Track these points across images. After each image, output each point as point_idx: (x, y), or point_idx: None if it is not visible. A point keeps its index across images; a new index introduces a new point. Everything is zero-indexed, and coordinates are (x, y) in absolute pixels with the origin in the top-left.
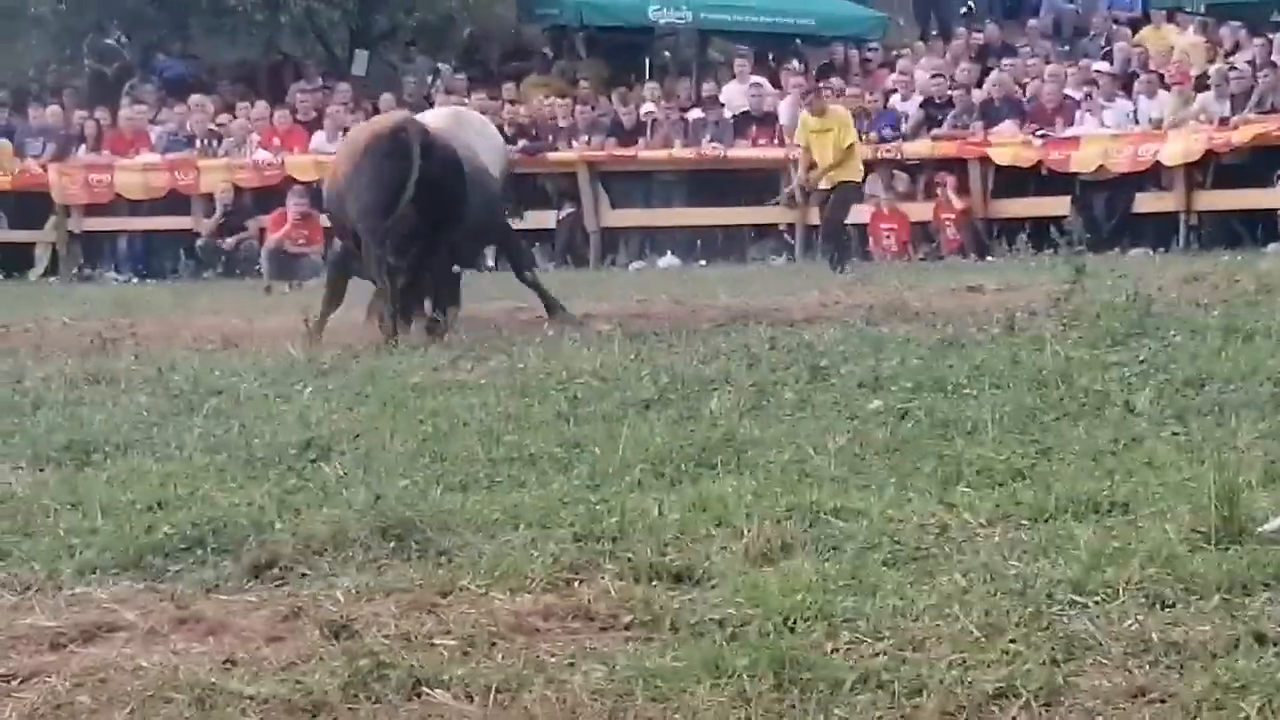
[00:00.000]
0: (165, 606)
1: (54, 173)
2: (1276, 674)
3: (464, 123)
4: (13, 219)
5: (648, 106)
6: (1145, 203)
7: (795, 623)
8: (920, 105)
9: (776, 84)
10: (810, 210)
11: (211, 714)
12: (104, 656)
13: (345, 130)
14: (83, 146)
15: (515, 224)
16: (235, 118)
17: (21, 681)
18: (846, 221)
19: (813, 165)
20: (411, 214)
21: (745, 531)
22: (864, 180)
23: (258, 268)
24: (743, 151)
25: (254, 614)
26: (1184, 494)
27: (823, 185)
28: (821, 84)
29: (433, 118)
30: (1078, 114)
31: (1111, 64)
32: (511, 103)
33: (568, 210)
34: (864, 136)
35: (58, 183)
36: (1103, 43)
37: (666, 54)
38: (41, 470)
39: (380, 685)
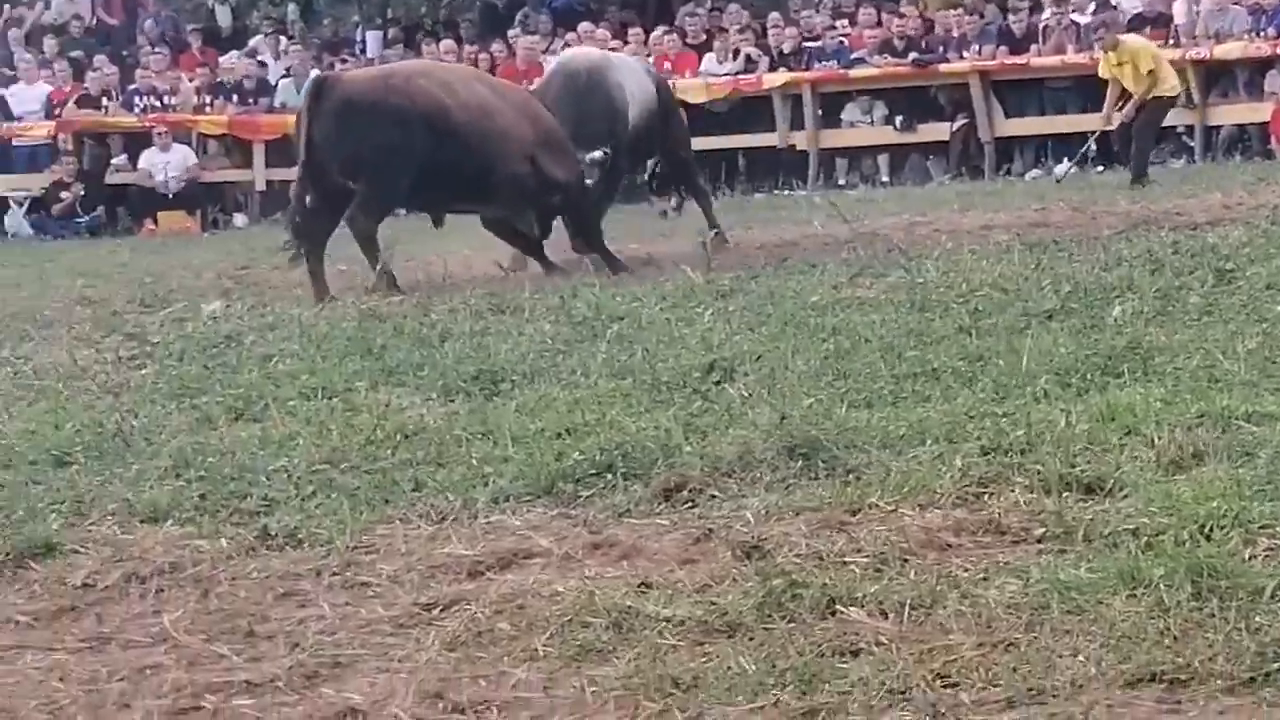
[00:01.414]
0: (579, 532)
1: None
2: None
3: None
4: None
5: (1043, 14)
6: None
7: (1211, 531)
8: None
9: None
10: (1208, 110)
11: (629, 637)
12: (521, 583)
13: (735, 53)
14: None
15: (908, 137)
16: (626, 43)
17: (443, 610)
18: (1152, 136)
19: (1125, 95)
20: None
21: (1155, 440)
22: (1180, 95)
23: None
24: None
25: (666, 537)
26: None
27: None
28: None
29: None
30: None
31: None
32: (900, 15)
33: (961, 121)
34: (1262, 34)
35: None
36: None
37: None
38: (452, 401)
39: (794, 604)
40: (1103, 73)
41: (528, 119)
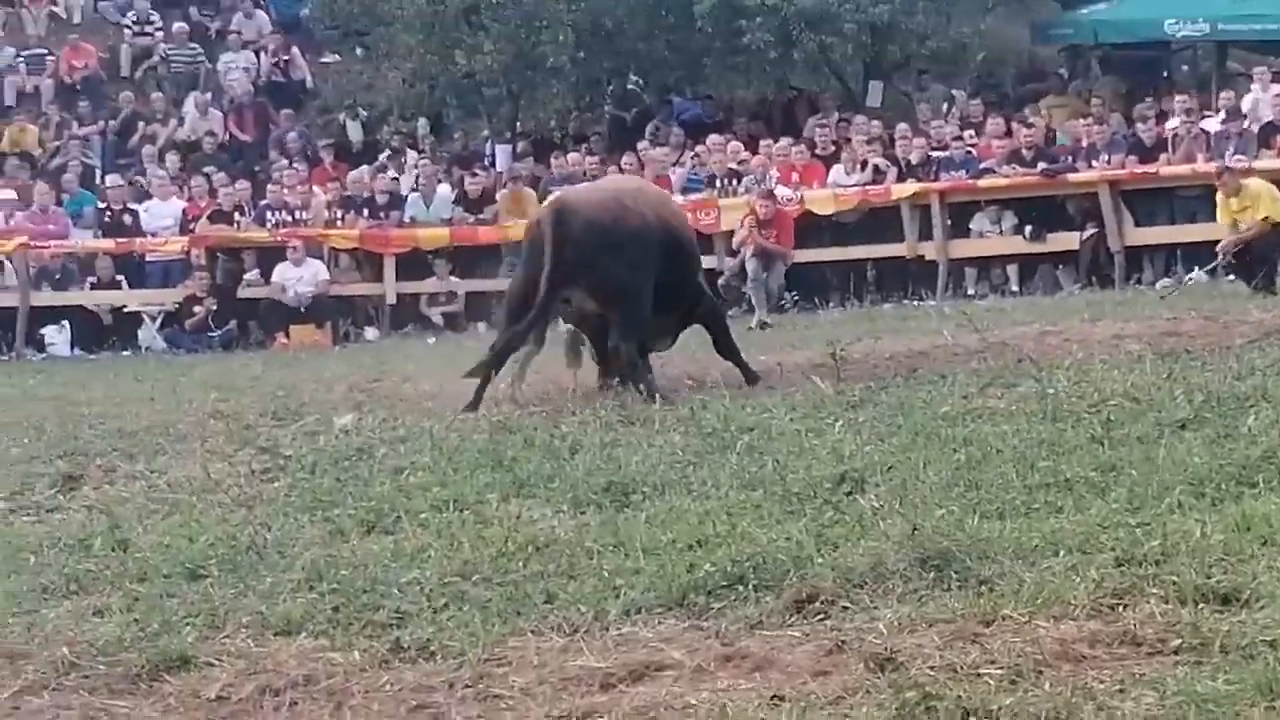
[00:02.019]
0: (711, 644)
1: None
2: None
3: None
4: None
5: (1172, 123)
6: None
7: None
8: None
9: None
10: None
11: None
12: (653, 695)
13: (863, 164)
14: None
15: (1037, 247)
16: (755, 155)
17: None
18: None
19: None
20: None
21: None
22: None
23: (782, 303)
24: (1269, 163)
25: (798, 649)
26: None
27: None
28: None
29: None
30: None
31: None
32: (1028, 125)
33: (1091, 230)
34: None
35: None
36: None
37: (1184, 68)
38: (582, 513)
39: (928, 717)
40: (1222, 219)
41: (689, 228)
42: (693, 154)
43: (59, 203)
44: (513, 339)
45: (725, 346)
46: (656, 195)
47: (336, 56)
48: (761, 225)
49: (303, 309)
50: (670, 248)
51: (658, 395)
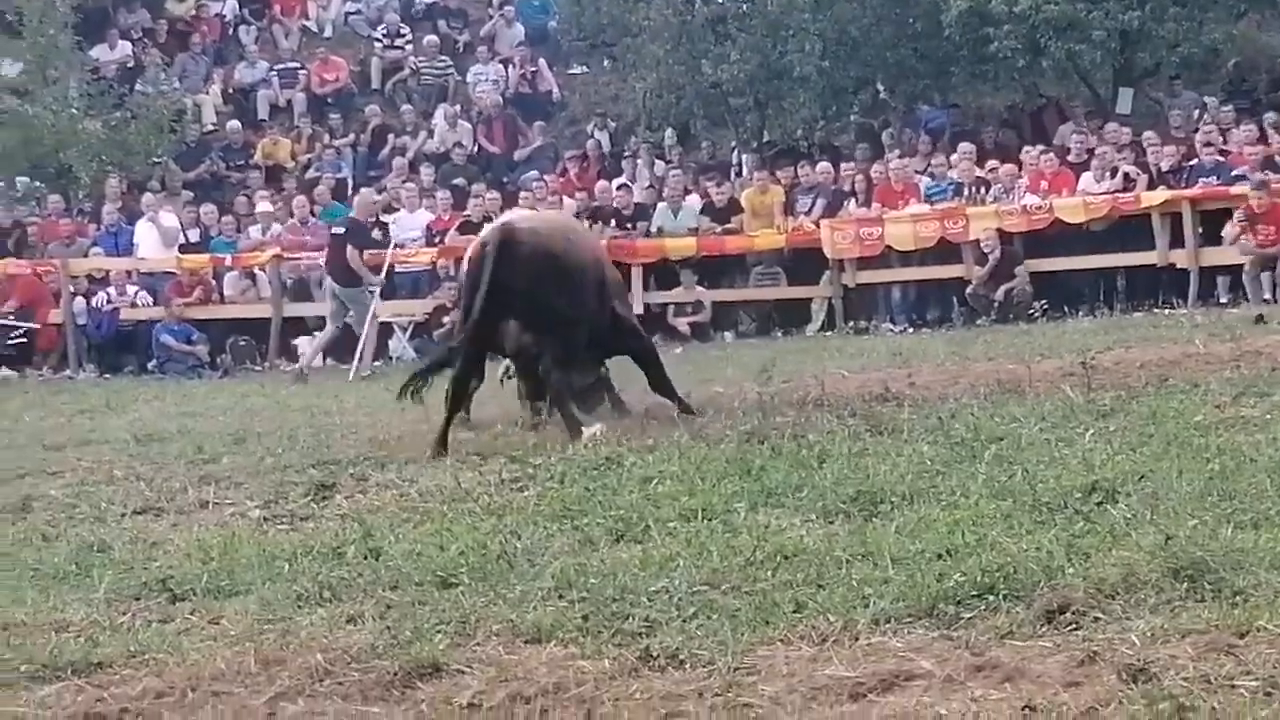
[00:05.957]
0: (961, 654)
1: (826, 229)
2: None
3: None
4: (789, 276)
5: None
6: None
7: None
8: None
9: None
10: None
11: None
12: (904, 705)
13: (1114, 171)
14: (853, 201)
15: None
16: (1003, 163)
17: None
18: None
19: None
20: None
21: None
22: None
23: (1031, 312)
24: None
25: (1049, 659)
26: None
27: None
28: None
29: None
30: None
31: None
32: None
33: None
34: None
35: (829, 238)
36: None
37: None
38: (831, 522)
39: None
40: None
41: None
42: (940, 161)
43: (312, 214)
44: (431, 367)
45: (656, 380)
46: (585, 229)
47: (584, 68)
48: (1255, 220)
49: None
50: (602, 284)
51: (582, 430)
